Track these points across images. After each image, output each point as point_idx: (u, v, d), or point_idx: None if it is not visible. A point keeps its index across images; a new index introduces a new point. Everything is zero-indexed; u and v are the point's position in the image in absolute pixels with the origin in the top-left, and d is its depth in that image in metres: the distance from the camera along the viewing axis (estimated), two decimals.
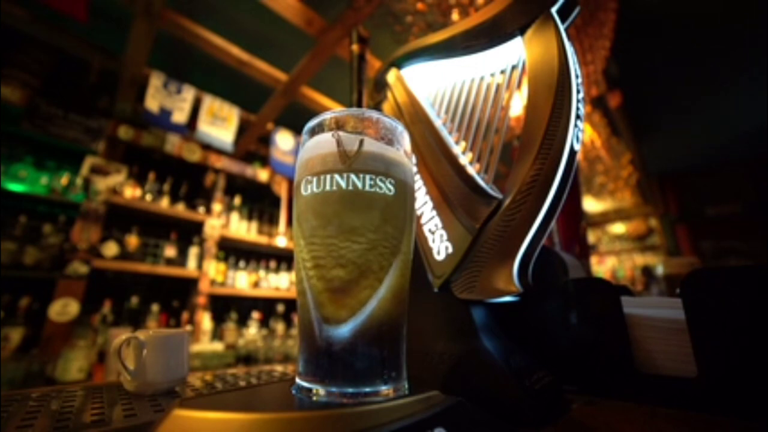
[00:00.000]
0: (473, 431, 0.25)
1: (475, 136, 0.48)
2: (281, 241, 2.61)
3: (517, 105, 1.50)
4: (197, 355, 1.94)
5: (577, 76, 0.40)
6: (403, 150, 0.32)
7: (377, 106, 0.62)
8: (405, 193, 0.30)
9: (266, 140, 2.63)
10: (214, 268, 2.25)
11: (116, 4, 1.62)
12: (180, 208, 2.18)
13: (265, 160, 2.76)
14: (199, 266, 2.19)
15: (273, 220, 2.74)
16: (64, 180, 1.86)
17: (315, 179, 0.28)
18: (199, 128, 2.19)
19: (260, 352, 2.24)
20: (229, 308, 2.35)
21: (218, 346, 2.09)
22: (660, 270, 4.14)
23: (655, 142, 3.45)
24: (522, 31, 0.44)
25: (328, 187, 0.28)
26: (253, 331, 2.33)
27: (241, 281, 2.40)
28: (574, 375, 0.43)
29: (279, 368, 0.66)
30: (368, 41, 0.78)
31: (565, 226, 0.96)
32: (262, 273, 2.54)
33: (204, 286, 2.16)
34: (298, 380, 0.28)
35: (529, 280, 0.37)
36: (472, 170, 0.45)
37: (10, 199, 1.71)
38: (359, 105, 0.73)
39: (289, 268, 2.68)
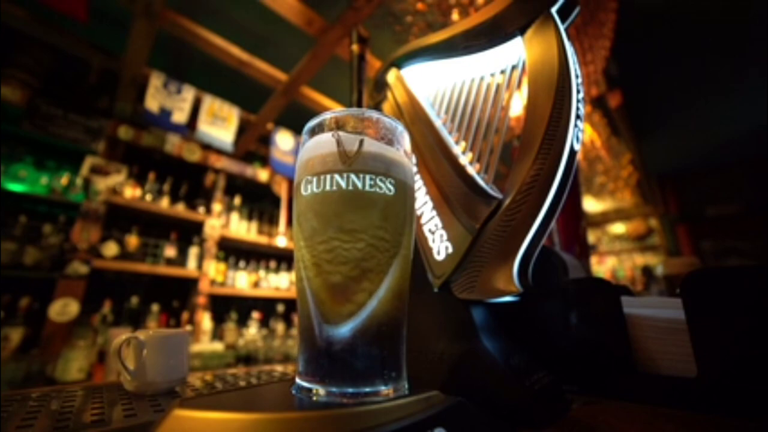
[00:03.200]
0: (473, 431, 0.25)
1: (475, 136, 0.48)
2: (281, 241, 2.61)
3: (517, 105, 1.50)
4: (197, 355, 1.94)
5: (577, 76, 0.40)
6: (403, 150, 0.32)
7: (377, 106, 0.62)
8: (405, 193, 0.30)
9: (266, 140, 2.63)
10: (214, 268, 2.25)
11: (116, 4, 1.62)
12: (180, 208, 2.18)
13: (265, 160, 2.76)
14: (199, 266, 2.19)
15: (273, 220, 2.74)
16: (64, 180, 1.86)
17: (315, 179, 0.28)
18: (199, 128, 2.19)
19: (260, 352, 2.24)
20: (229, 308, 2.36)
21: (218, 346, 2.09)
22: (660, 270, 4.13)
23: (655, 142, 3.45)
24: (522, 31, 0.44)
25: (328, 187, 0.28)
26: (253, 331, 2.33)
27: (241, 281, 2.40)
28: (574, 375, 0.43)
29: (279, 368, 0.66)
30: (368, 41, 0.78)
31: (565, 226, 0.96)
32: (262, 273, 2.54)
33: (204, 286, 2.16)
34: (298, 380, 0.28)
35: (529, 280, 0.37)
36: (472, 170, 0.45)
37: (10, 199, 1.70)
38: (359, 105, 0.73)
39: (289, 268, 2.68)
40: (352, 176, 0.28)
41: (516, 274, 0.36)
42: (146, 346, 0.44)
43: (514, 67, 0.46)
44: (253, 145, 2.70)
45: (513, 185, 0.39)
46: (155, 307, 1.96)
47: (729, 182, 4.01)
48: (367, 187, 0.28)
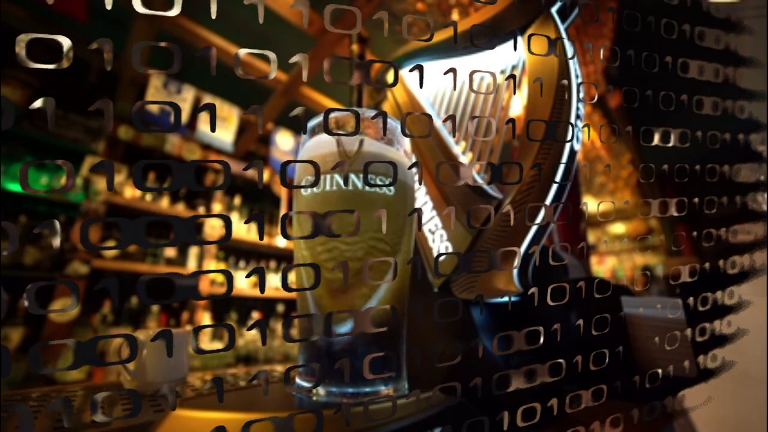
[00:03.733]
0: (473, 431, 0.25)
1: (475, 136, 0.48)
2: (281, 241, 2.61)
3: (517, 105, 1.50)
4: (197, 355, 1.94)
5: (577, 76, 0.40)
6: (403, 150, 0.32)
7: (377, 106, 0.62)
8: (405, 193, 0.30)
9: (266, 140, 2.63)
10: (214, 268, 2.25)
11: (116, 4, 1.62)
12: (180, 208, 2.18)
13: (265, 160, 2.76)
14: (199, 266, 2.19)
15: (273, 220, 2.74)
16: (64, 180, 1.86)
17: (315, 179, 0.28)
18: (199, 128, 2.19)
19: (260, 352, 2.24)
20: (229, 308, 2.35)
21: (218, 346, 2.09)
22: (660, 270, 4.13)
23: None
24: (522, 31, 0.44)
25: (328, 187, 0.28)
26: (253, 331, 2.33)
27: (241, 281, 2.40)
28: (574, 375, 0.43)
29: (279, 368, 0.66)
30: (368, 41, 0.78)
31: (565, 226, 0.96)
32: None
33: (204, 286, 2.16)
34: (298, 380, 0.28)
35: (529, 280, 0.37)
36: (472, 170, 0.45)
37: (10, 199, 1.70)
38: (359, 105, 0.73)
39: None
40: (352, 176, 0.28)
41: (516, 274, 0.36)
42: (146, 346, 0.44)
43: (514, 67, 0.46)
44: (253, 145, 2.70)
45: (513, 185, 0.39)
46: (155, 307, 1.96)
47: (729, 182, 4.01)
48: (367, 187, 0.28)
